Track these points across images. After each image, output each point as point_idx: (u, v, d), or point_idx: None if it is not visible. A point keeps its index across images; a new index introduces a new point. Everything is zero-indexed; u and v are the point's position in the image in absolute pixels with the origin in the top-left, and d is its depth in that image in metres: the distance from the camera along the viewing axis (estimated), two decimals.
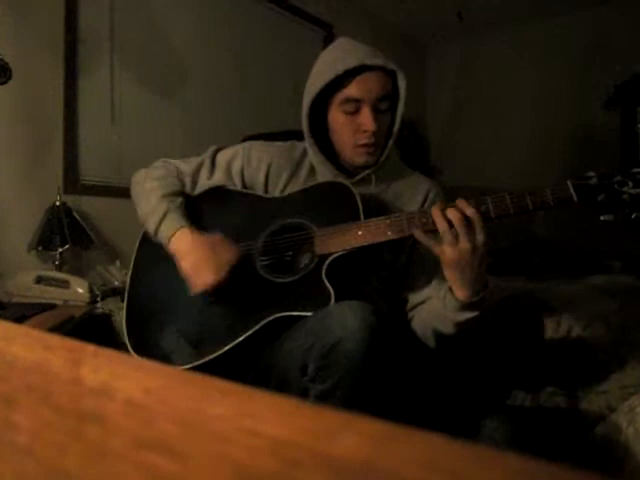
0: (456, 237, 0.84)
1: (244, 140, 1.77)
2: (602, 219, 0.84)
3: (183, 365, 0.92)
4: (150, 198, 1.04)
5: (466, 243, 0.83)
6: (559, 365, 1.24)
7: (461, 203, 0.85)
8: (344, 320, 0.77)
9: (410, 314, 1.04)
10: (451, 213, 0.84)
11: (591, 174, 0.84)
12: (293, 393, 0.84)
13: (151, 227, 1.02)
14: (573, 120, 3.07)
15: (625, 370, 1.16)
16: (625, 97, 2.86)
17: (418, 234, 0.88)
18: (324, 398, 0.78)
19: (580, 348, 1.23)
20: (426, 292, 1.02)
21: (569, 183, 0.84)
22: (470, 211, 0.84)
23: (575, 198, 0.83)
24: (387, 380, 0.82)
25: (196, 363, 0.91)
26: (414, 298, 1.04)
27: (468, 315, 0.89)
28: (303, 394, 0.83)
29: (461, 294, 0.88)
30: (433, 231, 0.90)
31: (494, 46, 3.43)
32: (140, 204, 1.07)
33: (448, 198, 0.96)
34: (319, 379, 0.79)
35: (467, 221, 0.83)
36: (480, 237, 0.84)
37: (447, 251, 0.84)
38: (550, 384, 1.22)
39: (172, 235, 0.99)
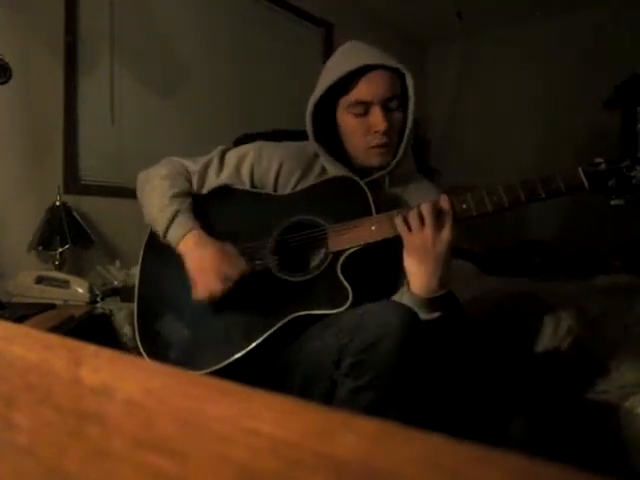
0: (422, 223, 0.86)
1: (240, 139, 1.77)
2: (612, 204, 0.85)
3: (202, 370, 0.89)
4: (158, 198, 1.01)
5: (430, 230, 0.85)
6: (559, 365, 1.24)
7: (443, 197, 0.88)
8: (385, 319, 0.78)
9: None
10: (423, 203, 0.87)
11: (600, 160, 0.85)
12: (320, 389, 0.84)
13: (160, 228, 0.99)
14: (573, 120, 3.06)
15: (625, 370, 1.16)
16: (625, 97, 2.86)
17: (398, 220, 0.88)
18: (357, 393, 0.78)
19: (580, 348, 1.23)
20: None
21: (580, 170, 0.84)
22: (445, 204, 0.87)
23: (587, 185, 0.84)
24: (420, 381, 0.82)
25: (215, 367, 0.89)
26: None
27: (423, 315, 0.87)
28: (331, 389, 0.82)
29: (416, 287, 0.87)
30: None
31: (494, 46, 3.43)
32: (147, 204, 1.04)
33: None
34: (355, 374, 0.79)
35: (438, 212, 0.86)
36: (446, 232, 0.85)
37: (414, 236, 0.86)
38: (550, 384, 1.22)
39: (182, 237, 0.97)
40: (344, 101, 1.00)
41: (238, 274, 0.94)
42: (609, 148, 2.81)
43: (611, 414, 1.09)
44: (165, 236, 0.99)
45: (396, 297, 0.94)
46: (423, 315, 0.88)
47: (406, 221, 0.87)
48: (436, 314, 0.88)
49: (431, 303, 0.87)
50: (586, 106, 3.02)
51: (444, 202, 0.87)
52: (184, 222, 0.98)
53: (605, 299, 1.41)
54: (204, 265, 0.94)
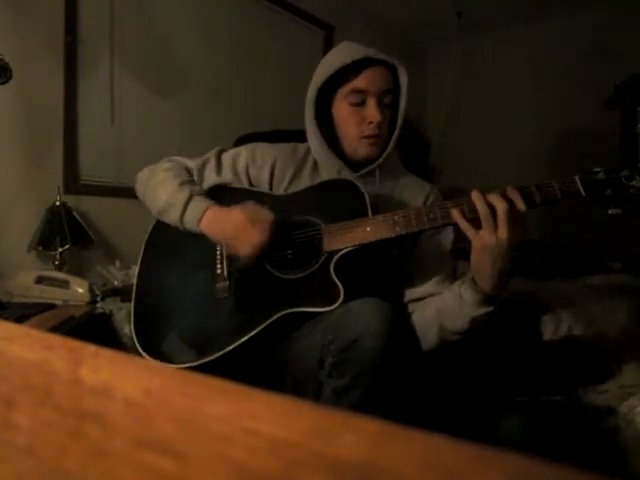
0: (496, 224, 0.83)
1: (239, 140, 1.77)
2: (610, 213, 0.84)
3: (192, 362, 0.91)
4: (167, 188, 1.03)
5: (506, 232, 0.82)
6: (559, 365, 1.24)
7: (512, 192, 0.84)
8: (365, 317, 0.78)
9: (407, 309, 1.04)
10: (496, 200, 0.83)
11: (598, 169, 0.84)
12: (309, 389, 0.85)
13: (175, 214, 1.00)
14: (573, 120, 3.06)
15: (625, 370, 1.16)
16: (625, 97, 2.85)
17: (456, 216, 0.86)
18: (341, 393, 0.78)
19: (580, 348, 1.23)
20: (425, 288, 1.02)
21: (577, 178, 0.84)
22: (519, 202, 0.83)
23: (583, 193, 0.83)
24: (404, 379, 0.82)
25: (205, 360, 0.90)
26: (411, 294, 1.04)
27: (485, 309, 0.89)
28: (318, 390, 0.83)
29: (486, 285, 0.87)
30: (442, 226, 0.90)
31: (494, 46, 3.43)
32: (154, 197, 1.05)
33: (448, 198, 0.96)
34: (337, 374, 0.79)
35: (512, 211, 0.82)
36: (520, 229, 0.83)
37: (485, 237, 0.83)
38: (550, 384, 1.22)
39: (202, 215, 0.98)
40: (342, 90, 1.03)
41: (271, 220, 0.94)
42: (609, 148, 2.81)
43: (610, 414, 1.09)
44: (182, 221, 1.00)
45: (455, 293, 0.92)
46: (482, 310, 0.89)
47: (473, 220, 0.85)
48: (490, 307, 0.89)
49: (493, 298, 0.88)
50: (586, 106, 3.02)
51: (516, 198, 0.83)
52: (199, 203, 1.00)
53: (605, 299, 1.41)
54: (236, 228, 0.93)
